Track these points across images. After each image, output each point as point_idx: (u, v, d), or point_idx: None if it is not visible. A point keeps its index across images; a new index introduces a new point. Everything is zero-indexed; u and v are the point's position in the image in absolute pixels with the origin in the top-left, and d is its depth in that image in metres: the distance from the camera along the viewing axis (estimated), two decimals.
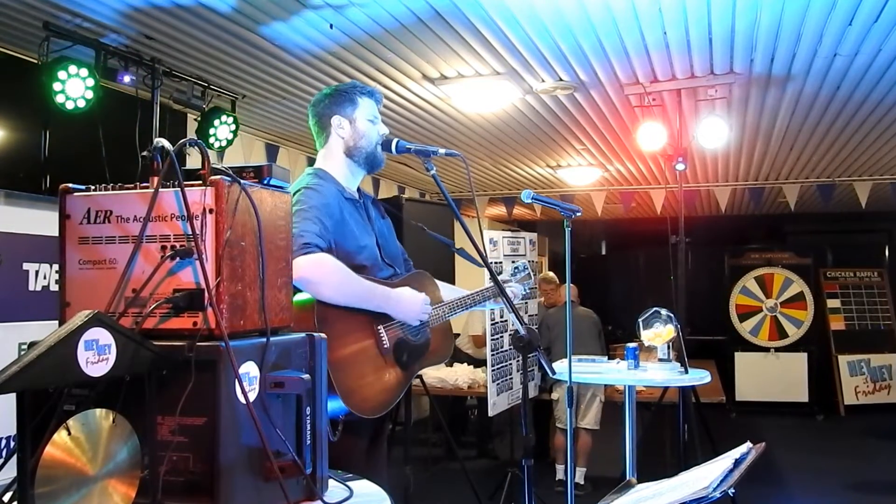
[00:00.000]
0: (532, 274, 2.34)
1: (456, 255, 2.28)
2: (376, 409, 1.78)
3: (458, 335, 5.68)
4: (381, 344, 1.85)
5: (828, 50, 3.39)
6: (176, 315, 1.01)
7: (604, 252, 12.46)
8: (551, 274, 5.61)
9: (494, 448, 5.83)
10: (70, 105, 2.93)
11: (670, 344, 3.25)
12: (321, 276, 1.68)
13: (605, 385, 4.57)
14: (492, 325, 4.30)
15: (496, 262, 4.27)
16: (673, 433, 4.38)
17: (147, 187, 1.04)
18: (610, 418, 4.79)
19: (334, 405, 1.62)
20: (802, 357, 7.77)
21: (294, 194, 1.77)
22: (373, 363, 1.82)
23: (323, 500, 1.12)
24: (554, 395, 4.80)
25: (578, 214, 2.36)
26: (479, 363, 5.16)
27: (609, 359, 3.74)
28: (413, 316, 1.88)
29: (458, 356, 5.47)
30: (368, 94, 1.99)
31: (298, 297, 1.61)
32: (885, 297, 8.10)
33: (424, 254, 2.23)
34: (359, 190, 2.03)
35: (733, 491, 1.16)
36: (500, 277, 2.17)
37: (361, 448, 1.84)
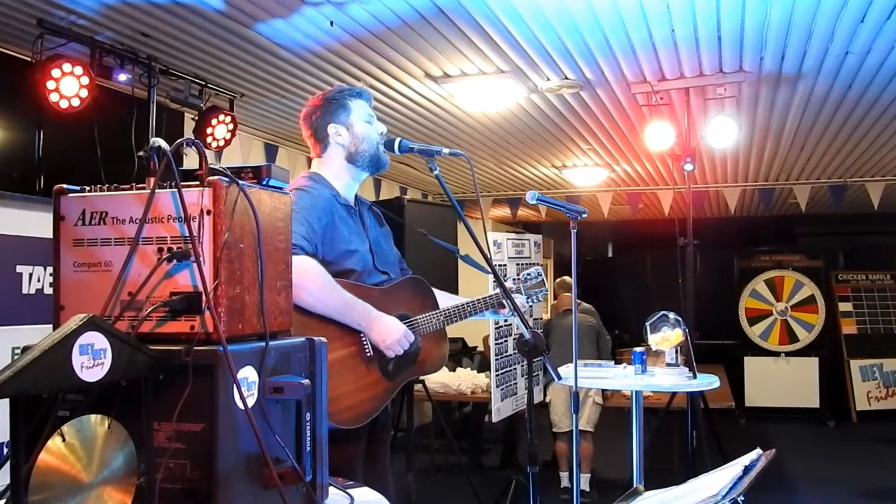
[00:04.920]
0: (545, 281, 2.29)
1: (459, 260, 2.25)
2: (356, 419, 1.74)
3: None
4: (364, 352, 1.82)
5: (839, 48, 3.35)
6: (173, 319, 1.00)
7: (610, 254, 12.41)
8: (567, 279, 5.55)
9: (498, 454, 5.79)
10: (64, 104, 2.90)
11: (678, 348, 3.22)
12: (302, 279, 1.62)
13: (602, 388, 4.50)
14: (496, 328, 4.28)
15: (500, 265, 4.24)
16: (681, 439, 4.33)
17: (143, 188, 1.03)
18: (617, 424, 4.75)
19: None
20: (813, 362, 7.68)
21: None
22: (353, 371, 1.78)
23: None
24: (547, 399, 4.74)
25: (584, 216, 2.33)
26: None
27: (616, 363, 3.70)
28: (386, 345, 1.82)
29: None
30: (357, 96, 1.97)
31: None
32: None
33: (428, 259, 2.20)
34: (356, 197, 2.01)
35: (742, 499, 1.14)
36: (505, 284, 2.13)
37: (355, 455, 1.81)
